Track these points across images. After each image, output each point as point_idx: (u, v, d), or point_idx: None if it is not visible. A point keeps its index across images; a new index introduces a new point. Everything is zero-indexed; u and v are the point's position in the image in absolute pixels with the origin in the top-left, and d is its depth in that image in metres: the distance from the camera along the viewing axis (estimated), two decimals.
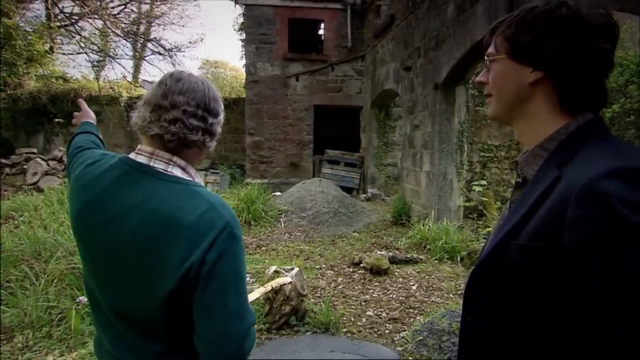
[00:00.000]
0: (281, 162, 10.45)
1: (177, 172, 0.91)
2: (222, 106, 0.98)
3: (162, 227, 0.84)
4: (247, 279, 3.90)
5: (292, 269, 3.42)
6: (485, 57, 0.79)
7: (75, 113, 1.40)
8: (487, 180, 7.14)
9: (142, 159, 0.90)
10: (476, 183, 5.93)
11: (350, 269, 4.65)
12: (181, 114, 0.88)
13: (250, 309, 0.90)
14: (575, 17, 0.67)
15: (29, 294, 3.18)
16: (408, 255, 4.95)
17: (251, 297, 1.38)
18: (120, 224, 0.87)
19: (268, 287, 1.63)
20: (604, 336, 0.57)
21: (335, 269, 4.68)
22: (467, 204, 6.14)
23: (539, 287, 0.65)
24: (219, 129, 0.97)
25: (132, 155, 0.93)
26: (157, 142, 0.90)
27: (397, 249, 5.36)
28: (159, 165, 0.90)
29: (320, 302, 3.59)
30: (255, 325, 2.95)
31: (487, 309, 0.73)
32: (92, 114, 1.40)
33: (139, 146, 0.94)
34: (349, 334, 3.17)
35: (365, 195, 9.57)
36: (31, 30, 11.39)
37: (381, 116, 9.96)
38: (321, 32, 11.40)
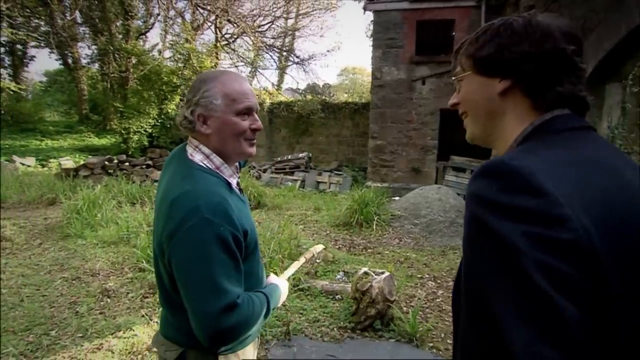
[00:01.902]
0: (402, 166, 10.29)
1: (198, 157, 1.01)
2: (205, 87, 1.00)
3: (160, 202, 0.99)
4: (340, 276, 4.05)
5: (382, 272, 3.42)
6: (453, 78, 0.80)
7: None
8: None
9: (188, 145, 1.08)
10: None
11: None
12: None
13: (228, 289, 0.90)
14: (534, 23, 0.68)
15: None
16: None
17: (288, 271, 1.49)
18: (158, 201, 1.05)
19: (302, 259, 1.73)
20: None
21: (438, 281, 4.44)
22: None
23: None
24: (198, 109, 1.00)
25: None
26: None
27: None
28: (189, 150, 1.04)
29: (411, 311, 3.48)
30: (339, 322, 3.03)
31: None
32: None
33: None
34: (434, 350, 3.00)
35: None
36: (204, 51, 13.96)
37: None
38: (452, 33, 10.79)
